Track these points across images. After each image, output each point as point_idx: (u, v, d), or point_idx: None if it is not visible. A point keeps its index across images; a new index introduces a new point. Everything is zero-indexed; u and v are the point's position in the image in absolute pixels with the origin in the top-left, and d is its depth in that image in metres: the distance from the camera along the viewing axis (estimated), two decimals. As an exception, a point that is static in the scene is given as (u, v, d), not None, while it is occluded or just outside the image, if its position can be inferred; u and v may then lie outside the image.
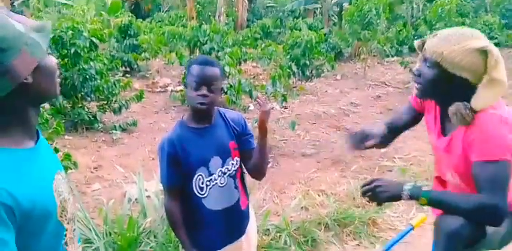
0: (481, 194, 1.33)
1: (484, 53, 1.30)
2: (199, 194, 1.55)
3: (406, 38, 8.36)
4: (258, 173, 1.65)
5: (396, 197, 1.41)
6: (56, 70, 0.96)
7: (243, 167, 1.67)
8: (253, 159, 1.59)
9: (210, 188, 1.56)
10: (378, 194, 1.41)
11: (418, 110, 1.69)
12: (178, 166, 1.52)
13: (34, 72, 0.88)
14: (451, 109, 1.36)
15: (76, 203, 1.05)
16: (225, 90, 5.30)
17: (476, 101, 1.33)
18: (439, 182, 1.67)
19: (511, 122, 1.36)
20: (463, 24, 9.99)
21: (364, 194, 1.46)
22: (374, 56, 10.63)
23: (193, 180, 1.53)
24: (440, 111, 1.50)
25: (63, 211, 0.97)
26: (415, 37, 7.86)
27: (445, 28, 1.58)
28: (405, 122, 1.75)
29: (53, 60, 0.95)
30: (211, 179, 1.56)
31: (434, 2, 9.04)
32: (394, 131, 1.73)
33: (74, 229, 1.04)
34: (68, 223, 0.99)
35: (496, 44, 11.77)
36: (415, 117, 1.73)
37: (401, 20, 12.78)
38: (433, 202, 1.39)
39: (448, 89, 1.36)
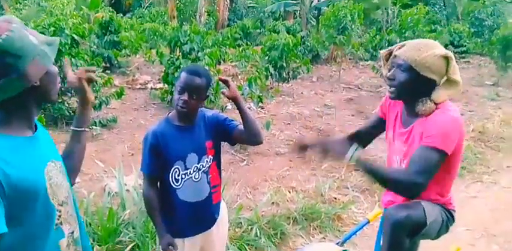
0: (408, 169, 1.56)
1: (446, 59, 1.61)
2: (175, 185, 1.74)
3: (380, 43, 8.72)
4: (256, 135, 1.76)
5: (341, 158, 1.55)
6: (57, 77, 1.16)
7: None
8: (245, 126, 1.73)
9: (185, 181, 1.74)
10: (327, 152, 1.56)
11: (384, 117, 1.90)
12: (158, 157, 1.70)
13: (42, 77, 1.07)
14: (419, 104, 1.62)
15: (69, 190, 1.20)
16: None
17: (437, 96, 1.62)
18: None
19: (460, 123, 1.64)
20: (432, 31, 10.45)
21: (314, 149, 1.61)
22: (349, 59, 10.98)
23: (171, 172, 1.72)
24: (405, 107, 1.74)
25: (54, 194, 1.11)
26: (386, 44, 8.19)
27: (413, 36, 1.84)
28: (368, 130, 1.96)
29: (55, 69, 1.15)
30: (186, 173, 1.74)
31: (405, 10, 9.42)
32: (357, 139, 1.86)
33: (68, 211, 1.18)
34: (61, 205, 1.14)
35: (465, 51, 12.19)
36: (380, 125, 1.92)
37: (377, 25, 13.19)
38: (361, 162, 1.55)
39: (418, 88, 1.63)
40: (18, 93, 1.03)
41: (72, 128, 1.35)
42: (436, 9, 16.11)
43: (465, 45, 12.75)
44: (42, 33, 4.95)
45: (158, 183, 1.78)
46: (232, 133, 1.78)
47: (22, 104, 1.08)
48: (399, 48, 1.68)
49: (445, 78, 1.63)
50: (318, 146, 1.59)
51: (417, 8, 8.84)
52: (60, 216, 1.14)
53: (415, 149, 1.63)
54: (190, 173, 1.74)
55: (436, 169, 1.57)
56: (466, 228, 3.29)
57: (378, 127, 1.93)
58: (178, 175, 1.73)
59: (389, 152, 1.85)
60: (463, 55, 12.37)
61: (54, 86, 1.15)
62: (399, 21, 8.77)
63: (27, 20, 8.88)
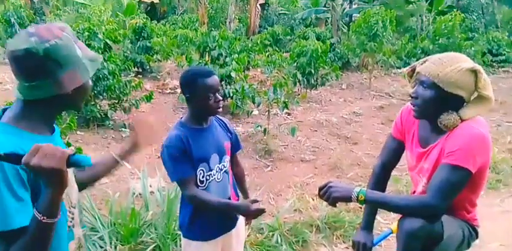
0: (427, 192, 1.49)
1: (473, 72, 1.48)
2: (200, 186, 1.75)
3: (413, 50, 8.51)
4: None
5: (347, 197, 1.52)
6: (89, 91, 1.18)
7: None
8: (237, 182, 1.96)
9: (209, 181, 1.76)
10: (331, 194, 1.53)
11: (398, 138, 1.80)
12: (188, 159, 1.70)
13: (75, 89, 1.09)
14: (444, 117, 1.50)
15: (79, 192, 1.21)
16: (231, 95, 5.49)
17: (465, 113, 1.50)
18: None
19: (486, 139, 1.52)
20: (468, 39, 10.10)
21: (320, 194, 1.59)
22: (381, 67, 10.78)
23: (196, 173, 1.73)
24: (423, 125, 1.65)
25: (67, 196, 1.12)
26: (419, 51, 7.98)
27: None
28: (391, 160, 1.85)
29: (90, 84, 1.17)
30: (210, 174, 1.76)
31: (440, 16, 9.17)
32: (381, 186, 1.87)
33: (76, 214, 1.18)
34: (73, 207, 1.15)
35: (504, 61, 11.69)
36: (399, 149, 1.83)
37: (411, 33, 12.93)
38: (370, 198, 1.52)
39: (443, 106, 1.51)
40: (46, 98, 1.06)
41: (114, 155, 1.33)
42: (474, 16, 15.60)
43: (504, 54, 12.22)
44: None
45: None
46: (232, 155, 1.90)
47: (48, 106, 1.10)
48: (422, 63, 1.57)
49: (475, 94, 1.50)
50: (322, 190, 1.56)
51: (452, 15, 8.58)
52: (72, 219, 1.15)
53: (434, 168, 1.56)
54: (213, 174, 1.76)
55: (459, 188, 1.48)
56: (499, 243, 3.11)
57: (398, 150, 1.83)
58: (203, 176, 1.74)
59: (411, 172, 1.77)
60: (501, 64, 11.86)
61: (82, 99, 1.17)
62: (433, 28, 8.53)
63: (66, 26, 9.27)
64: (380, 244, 2.23)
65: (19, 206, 0.96)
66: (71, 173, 1.16)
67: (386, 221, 3.53)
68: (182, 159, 1.69)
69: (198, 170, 1.73)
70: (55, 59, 1.02)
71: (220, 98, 1.72)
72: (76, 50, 1.06)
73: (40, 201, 0.96)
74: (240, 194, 2.00)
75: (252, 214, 1.71)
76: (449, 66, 1.46)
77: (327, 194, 1.54)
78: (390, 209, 1.59)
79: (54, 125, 1.18)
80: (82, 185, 1.32)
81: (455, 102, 1.50)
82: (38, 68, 1.01)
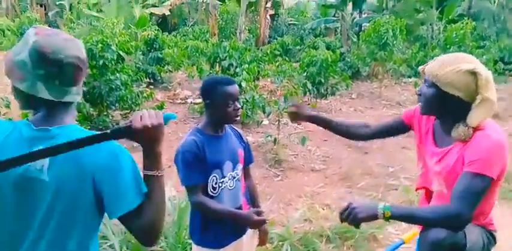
0: (451, 201, 1.48)
1: (473, 74, 1.48)
2: (212, 193, 1.76)
3: (423, 59, 8.48)
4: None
5: (373, 215, 1.48)
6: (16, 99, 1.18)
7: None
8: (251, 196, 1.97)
9: (222, 188, 1.77)
10: (357, 215, 1.48)
11: (406, 122, 1.83)
12: (201, 166, 1.71)
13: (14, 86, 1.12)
14: (455, 129, 1.53)
15: None
16: (241, 104, 5.53)
17: (471, 118, 1.51)
18: (426, 194, 1.83)
19: (503, 146, 1.52)
20: (479, 47, 10.03)
21: (343, 218, 1.51)
22: (391, 76, 10.75)
23: (209, 180, 1.74)
24: (440, 124, 1.67)
25: None
26: (430, 60, 7.94)
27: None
28: (385, 128, 1.93)
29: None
30: (223, 181, 1.77)
31: (451, 25, 9.14)
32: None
33: None
34: None
35: (517, 69, 11.38)
36: (398, 128, 1.88)
37: (421, 41, 12.89)
38: (396, 214, 1.48)
39: (444, 106, 1.54)
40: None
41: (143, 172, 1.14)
42: (485, 25, 15.49)
43: (516, 62, 12.11)
44: (91, 49, 5.27)
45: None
46: (244, 166, 1.91)
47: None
48: (433, 61, 1.63)
49: (479, 97, 1.49)
50: (345, 213, 1.51)
51: (463, 23, 8.56)
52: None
53: (449, 174, 1.56)
54: (226, 181, 1.78)
55: (481, 196, 1.48)
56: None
57: (396, 128, 1.87)
58: (215, 183, 1.76)
59: (424, 169, 1.77)
60: (513, 72, 11.74)
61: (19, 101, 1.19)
62: (444, 36, 8.50)
63: (78, 38, 9.48)
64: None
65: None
66: None
67: (397, 232, 3.49)
68: (195, 165, 1.70)
69: (211, 176, 1.74)
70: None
71: (239, 106, 1.75)
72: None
73: (146, 163, 1.10)
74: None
75: (254, 224, 1.71)
76: (449, 66, 1.49)
77: (352, 216, 1.48)
78: (417, 222, 1.56)
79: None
80: None
81: (454, 104, 1.52)
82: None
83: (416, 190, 1.89)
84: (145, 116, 1.05)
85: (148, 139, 1.07)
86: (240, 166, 1.84)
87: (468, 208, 1.45)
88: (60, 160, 1.03)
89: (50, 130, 1.08)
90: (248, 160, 1.93)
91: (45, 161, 1.03)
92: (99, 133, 1.05)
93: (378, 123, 2.02)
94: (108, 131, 1.03)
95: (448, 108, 1.54)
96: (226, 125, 1.86)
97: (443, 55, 1.64)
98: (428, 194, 1.80)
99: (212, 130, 1.79)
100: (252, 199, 1.97)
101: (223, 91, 1.71)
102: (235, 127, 1.94)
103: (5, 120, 1.16)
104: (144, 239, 1.10)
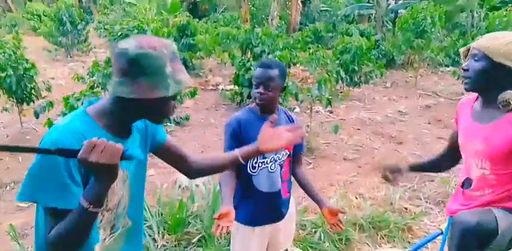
0: None
1: None
2: (251, 171, 1.79)
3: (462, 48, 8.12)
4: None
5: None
6: (168, 109, 1.17)
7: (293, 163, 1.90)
8: (303, 187, 1.92)
9: (261, 169, 1.79)
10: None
11: (453, 146, 1.80)
12: (238, 142, 1.73)
13: (153, 100, 1.10)
14: (502, 95, 1.52)
15: (124, 201, 1.25)
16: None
17: None
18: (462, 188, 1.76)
19: None
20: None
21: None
22: (428, 65, 10.39)
23: None
24: (482, 101, 1.64)
25: (106, 200, 1.12)
26: (471, 48, 7.60)
27: None
28: (435, 163, 1.92)
29: (172, 103, 1.17)
30: (263, 162, 1.78)
31: (493, 12, 8.69)
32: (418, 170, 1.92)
33: (109, 219, 1.19)
34: (106, 211, 1.17)
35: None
36: (450, 158, 1.86)
37: (461, 29, 12.36)
38: None
39: (495, 78, 1.54)
40: (128, 99, 1.10)
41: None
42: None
43: None
44: (127, 35, 5.35)
45: (237, 168, 1.80)
46: (295, 153, 1.90)
47: (127, 109, 1.13)
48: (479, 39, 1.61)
49: None
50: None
51: (507, 10, 8.11)
52: (101, 221, 1.17)
53: (496, 152, 1.53)
54: (267, 163, 1.79)
55: None
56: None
57: (449, 160, 1.87)
58: (255, 162, 1.78)
59: (465, 158, 1.72)
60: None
61: (160, 113, 1.17)
62: (486, 24, 8.10)
63: (114, 24, 9.65)
64: (427, 246, 2.16)
65: (77, 190, 1.04)
66: (121, 179, 1.18)
67: (433, 223, 3.42)
68: (231, 139, 1.77)
69: None
70: (141, 65, 1.08)
71: (261, 90, 1.72)
72: (165, 67, 1.10)
73: (88, 190, 1.00)
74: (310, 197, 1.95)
75: (219, 220, 1.61)
76: (501, 39, 1.52)
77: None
78: None
79: (131, 129, 1.22)
80: (199, 174, 1.45)
81: (504, 75, 1.52)
82: (125, 67, 1.08)
83: (461, 186, 1.78)
84: (97, 150, 0.95)
85: (93, 173, 0.99)
86: (284, 151, 1.82)
87: None
88: None
89: None
90: (298, 148, 1.91)
91: None
92: (46, 148, 0.99)
93: (447, 147, 1.95)
94: (53, 149, 0.97)
95: (497, 80, 1.54)
96: (282, 110, 1.86)
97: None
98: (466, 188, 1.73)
99: (260, 111, 1.80)
100: (307, 187, 1.92)
101: (255, 71, 1.76)
102: (291, 114, 1.92)
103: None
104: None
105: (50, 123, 3.87)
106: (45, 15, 14.73)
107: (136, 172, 1.25)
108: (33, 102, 5.05)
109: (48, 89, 5.12)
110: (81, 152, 0.95)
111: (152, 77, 1.09)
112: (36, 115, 4.40)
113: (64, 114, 3.84)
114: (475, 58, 1.56)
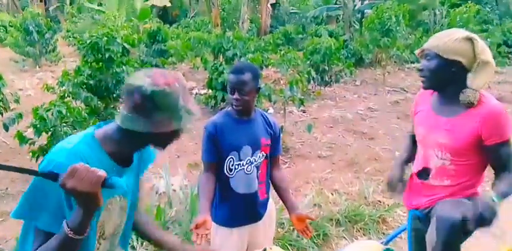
0: (507, 171, 1.60)
1: (469, 40, 1.61)
2: (228, 173, 1.83)
3: (427, 44, 8.46)
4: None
5: (496, 209, 1.47)
6: (178, 137, 1.19)
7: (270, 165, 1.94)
8: (278, 193, 1.94)
9: (238, 171, 1.83)
10: (491, 217, 1.46)
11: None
12: (215, 145, 1.79)
13: (166, 132, 1.13)
14: (463, 96, 1.61)
15: (119, 229, 1.26)
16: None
17: (475, 82, 1.60)
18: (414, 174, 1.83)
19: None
20: (483, 31, 9.96)
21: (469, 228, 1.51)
22: (395, 62, 10.71)
23: (226, 161, 1.81)
24: (441, 97, 1.72)
25: (102, 225, 1.14)
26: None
27: None
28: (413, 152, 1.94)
29: (181, 131, 1.17)
30: (239, 164, 1.82)
31: (454, 9, 9.07)
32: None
33: (106, 247, 1.20)
34: (103, 239, 1.17)
35: (519, 52, 11.26)
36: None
37: (424, 27, 12.79)
38: (502, 199, 1.54)
39: (448, 74, 1.63)
40: (136, 133, 1.11)
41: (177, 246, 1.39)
42: (488, 8, 15.33)
43: (520, 45, 12.00)
44: (96, 43, 5.30)
45: (215, 171, 1.84)
46: (271, 156, 1.92)
47: (136, 139, 1.14)
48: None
49: (476, 62, 1.60)
50: (472, 225, 1.50)
51: (466, 7, 8.49)
52: (98, 249, 1.18)
53: (459, 140, 1.62)
54: (243, 165, 1.83)
55: None
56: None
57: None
58: (232, 165, 1.82)
59: (424, 148, 1.78)
60: (517, 55, 11.66)
61: (171, 141, 1.20)
62: (448, 21, 8.44)
63: (82, 32, 9.50)
64: (400, 235, 2.25)
65: (69, 214, 1.03)
66: (119, 206, 1.18)
67: (406, 214, 3.55)
68: (209, 143, 1.80)
69: (228, 158, 1.80)
70: (157, 102, 1.09)
71: (236, 97, 1.74)
72: (179, 101, 1.12)
73: (71, 217, 0.99)
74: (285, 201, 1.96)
75: (196, 229, 1.64)
76: (447, 37, 1.63)
77: (485, 221, 1.46)
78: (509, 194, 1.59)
79: (133, 157, 1.23)
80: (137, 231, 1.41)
81: (457, 71, 1.61)
82: (140, 104, 1.09)
83: (416, 174, 1.83)
84: (77, 176, 0.93)
85: (78, 201, 0.97)
86: (261, 153, 1.86)
87: None
88: None
89: None
90: (275, 150, 1.94)
91: None
92: (30, 169, 0.98)
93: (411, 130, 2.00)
94: (38, 171, 0.98)
95: (451, 76, 1.63)
96: (259, 112, 1.90)
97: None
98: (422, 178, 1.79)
99: (236, 114, 1.83)
100: (281, 191, 1.94)
101: (228, 78, 1.80)
102: (269, 116, 1.94)
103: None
104: None
105: (20, 136, 3.81)
106: (11, 26, 14.35)
107: (133, 202, 1.26)
108: (1, 114, 4.94)
109: (17, 101, 5.01)
110: (62, 177, 0.94)
111: (167, 112, 1.11)
112: (6, 128, 4.32)
113: (34, 126, 3.78)
114: (428, 58, 1.66)
